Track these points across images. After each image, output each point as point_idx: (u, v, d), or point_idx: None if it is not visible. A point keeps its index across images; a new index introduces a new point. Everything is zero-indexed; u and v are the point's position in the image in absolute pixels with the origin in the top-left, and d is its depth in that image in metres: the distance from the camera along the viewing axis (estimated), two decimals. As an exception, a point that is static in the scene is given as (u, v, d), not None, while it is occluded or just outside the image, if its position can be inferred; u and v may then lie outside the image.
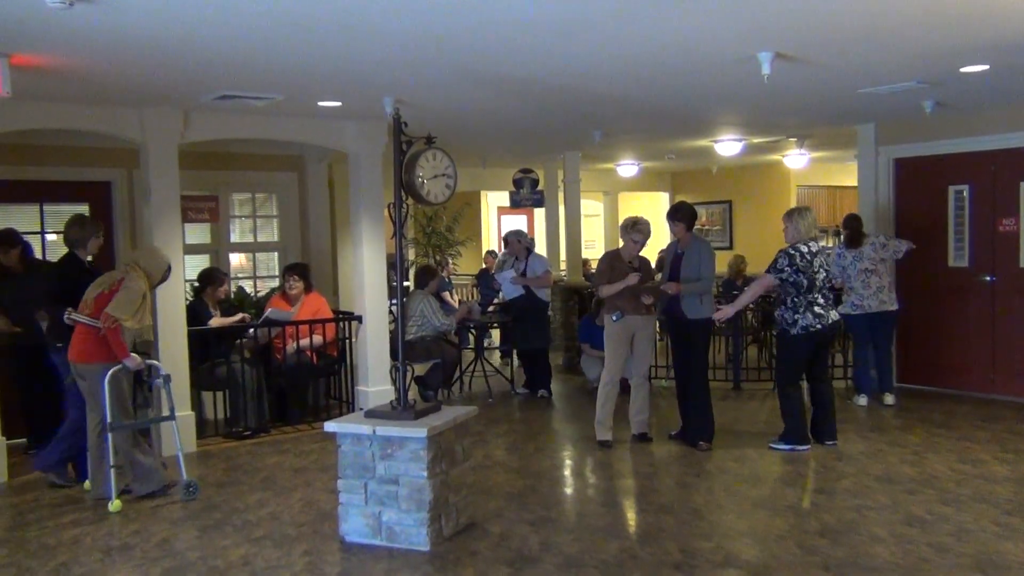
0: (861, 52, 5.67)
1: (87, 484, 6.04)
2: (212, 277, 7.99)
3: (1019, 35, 5.25)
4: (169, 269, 6.12)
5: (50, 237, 7.98)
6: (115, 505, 5.70)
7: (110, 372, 5.67)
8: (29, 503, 5.93)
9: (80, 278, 6.02)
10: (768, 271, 6.69)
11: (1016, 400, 8.22)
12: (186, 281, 7.62)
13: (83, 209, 8.10)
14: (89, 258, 6.28)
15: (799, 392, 6.79)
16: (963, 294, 8.64)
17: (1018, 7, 4.65)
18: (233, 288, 9.09)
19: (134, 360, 5.78)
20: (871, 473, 6.09)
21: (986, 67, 6.19)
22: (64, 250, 6.37)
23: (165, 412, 6.21)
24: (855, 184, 9.81)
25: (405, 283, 6.47)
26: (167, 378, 6.06)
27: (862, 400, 8.25)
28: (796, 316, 6.58)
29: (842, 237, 8.47)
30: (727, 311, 7.01)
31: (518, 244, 9.40)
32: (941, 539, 4.79)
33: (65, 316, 5.83)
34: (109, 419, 5.68)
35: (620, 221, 8.94)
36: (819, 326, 6.56)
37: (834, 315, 6.71)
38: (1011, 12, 4.74)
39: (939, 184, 8.77)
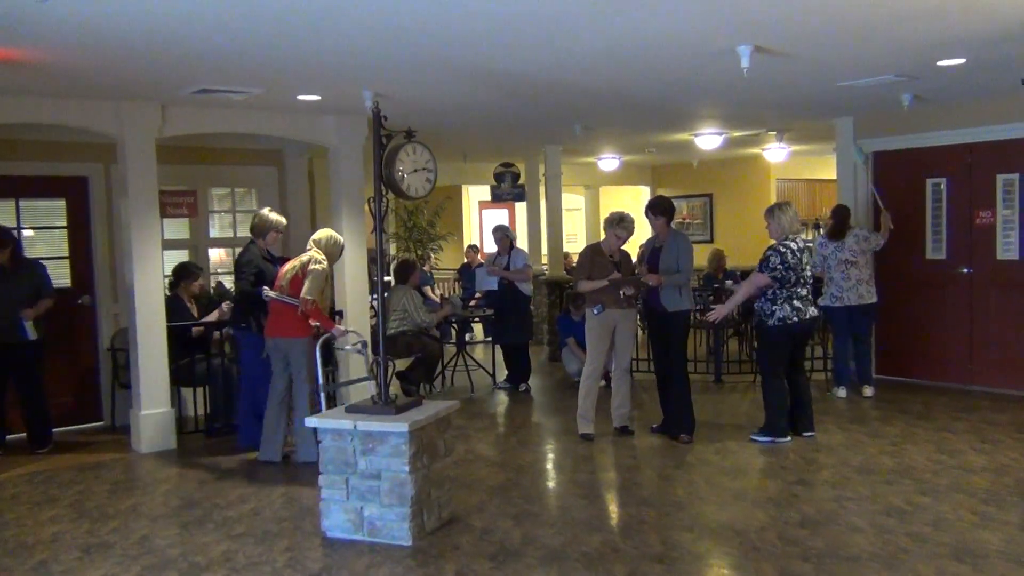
0: (839, 46, 5.70)
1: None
2: (185, 271, 7.92)
3: (995, 29, 5.30)
4: (343, 249, 6.77)
5: (27, 233, 7.89)
6: None
7: (320, 340, 6.31)
8: (7, 500, 5.87)
9: (254, 263, 6.71)
10: (761, 270, 6.67)
11: (993, 391, 8.30)
12: (165, 277, 7.56)
13: (60, 204, 8.02)
14: (274, 248, 6.97)
15: (782, 384, 6.79)
16: (941, 286, 8.70)
17: (994, 2, 4.69)
18: (212, 284, 9.02)
19: (339, 329, 6.64)
20: (850, 464, 6.13)
21: (963, 61, 6.23)
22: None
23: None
24: (834, 177, 9.86)
25: (386, 278, 6.57)
26: (364, 343, 6.59)
27: (841, 392, 8.30)
28: (774, 308, 6.62)
29: (823, 228, 8.48)
30: (721, 311, 7.05)
31: (505, 239, 9.43)
32: (919, 529, 4.84)
33: (263, 293, 6.46)
34: (321, 381, 6.33)
35: (602, 215, 8.93)
36: (795, 319, 6.59)
37: (813, 311, 6.74)
38: (987, 6, 4.78)
39: (916, 177, 8.82)
